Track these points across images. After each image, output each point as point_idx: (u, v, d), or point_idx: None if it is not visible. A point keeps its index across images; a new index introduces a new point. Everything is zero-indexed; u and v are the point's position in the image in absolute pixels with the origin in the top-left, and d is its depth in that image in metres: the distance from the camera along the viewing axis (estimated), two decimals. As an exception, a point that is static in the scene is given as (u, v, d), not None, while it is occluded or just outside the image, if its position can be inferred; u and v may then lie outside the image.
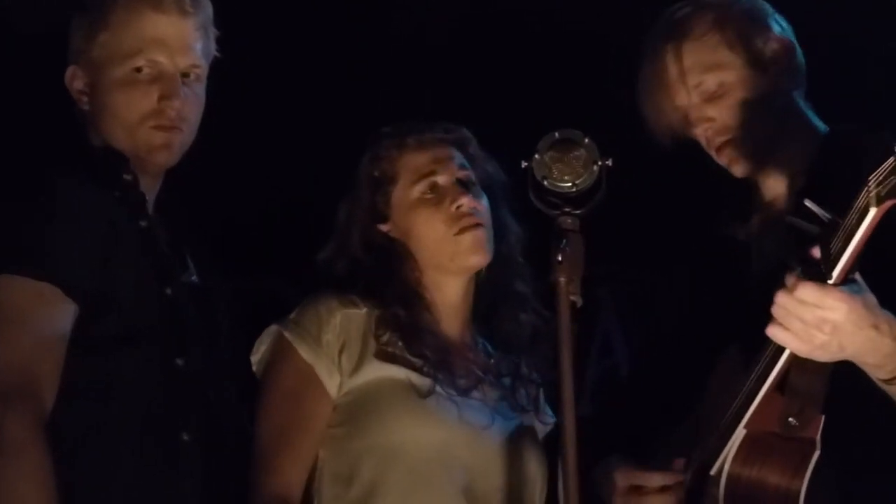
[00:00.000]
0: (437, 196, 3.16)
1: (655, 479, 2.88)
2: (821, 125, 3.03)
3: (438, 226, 3.14)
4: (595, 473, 2.95)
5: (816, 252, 2.49)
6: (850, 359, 2.57)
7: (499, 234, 3.22)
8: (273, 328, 3.14)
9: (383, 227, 3.20)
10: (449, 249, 3.14)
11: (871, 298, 2.52)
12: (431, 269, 3.18)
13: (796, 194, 2.90)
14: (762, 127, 2.97)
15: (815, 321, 2.48)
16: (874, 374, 2.60)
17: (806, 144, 2.98)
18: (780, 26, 3.03)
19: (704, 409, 2.87)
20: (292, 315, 3.13)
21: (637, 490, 2.89)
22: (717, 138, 2.98)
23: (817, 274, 2.48)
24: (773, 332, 2.54)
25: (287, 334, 3.10)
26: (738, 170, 3.00)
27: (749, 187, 3.06)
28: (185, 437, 2.93)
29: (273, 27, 3.99)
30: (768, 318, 2.55)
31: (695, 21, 3.01)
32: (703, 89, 2.98)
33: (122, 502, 2.85)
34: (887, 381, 2.61)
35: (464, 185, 3.17)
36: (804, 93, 3.04)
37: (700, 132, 3.00)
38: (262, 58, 3.86)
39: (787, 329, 2.51)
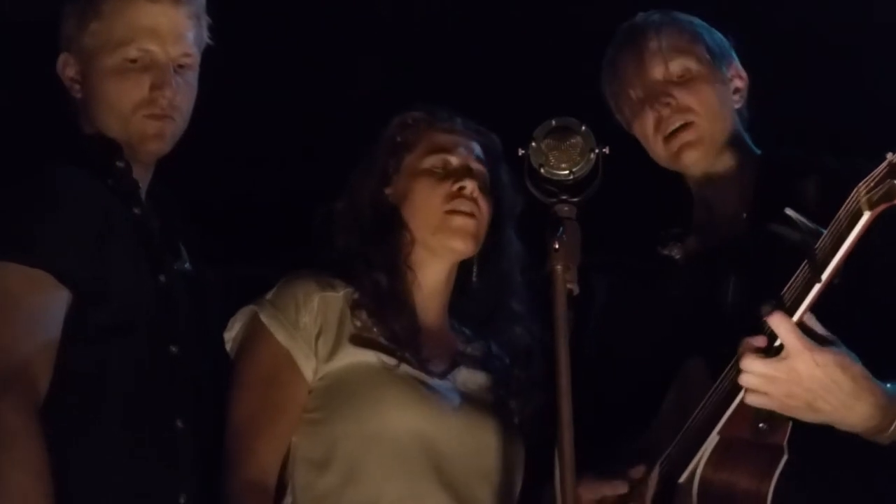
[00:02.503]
0: (444, 172, 3.16)
1: (622, 488, 2.88)
2: (756, 150, 3.12)
3: (435, 199, 3.13)
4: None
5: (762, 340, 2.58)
6: (830, 424, 2.64)
7: (499, 249, 3.22)
8: (249, 308, 3.11)
9: (387, 191, 3.20)
10: (435, 224, 3.12)
11: (853, 366, 2.58)
12: (418, 244, 3.16)
13: (743, 214, 2.99)
14: (718, 119, 3.05)
15: (782, 390, 2.58)
16: (867, 435, 2.67)
17: (748, 165, 3.06)
18: (738, 60, 3.15)
19: (663, 419, 2.91)
20: (269, 296, 3.11)
21: (601, 502, 2.89)
22: (673, 117, 3.02)
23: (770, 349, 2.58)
24: (749, 398, 2.62)
25: (263, 317, 3.07)
26: (690, 156, 3.04)
27: (687, 207, 3.13)
28: (179, 424, 2.93)
29: (262, 16, 3.97)
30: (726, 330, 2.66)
31: (674, 16, 3.12)
32: (673, 69, 3.05)
33: (116, 488, 2.85)
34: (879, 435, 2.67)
35: (473, 173, 3.16)
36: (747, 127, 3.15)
37: (654, 113, 3.04)
38: (252, 46, 3.85)
39: (761, 395, 2.60)
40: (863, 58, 4.01)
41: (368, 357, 3.06)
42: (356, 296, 3.11)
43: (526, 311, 3.22)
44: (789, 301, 2.57)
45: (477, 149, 3.21)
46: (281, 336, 3.05)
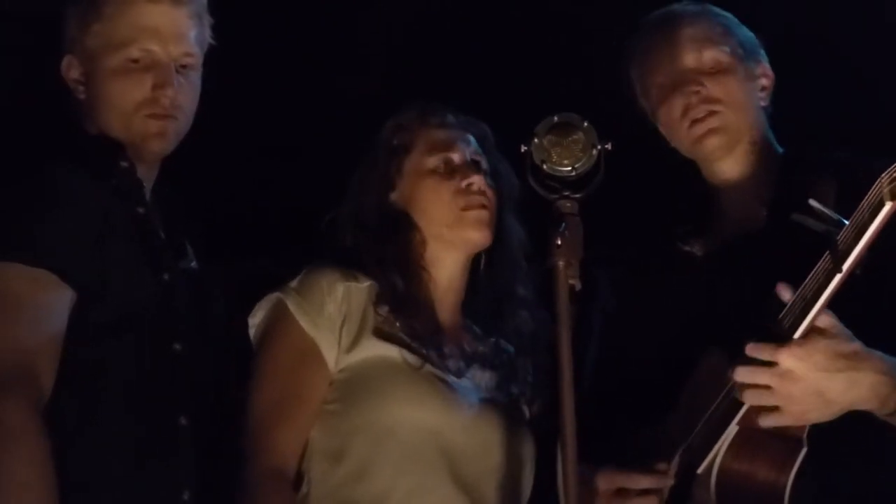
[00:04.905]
0: (449, 171, 3.17)
1: (641, 481, 2.89)
2: (779, 148, 3.13)
3: (445, 197, 3.15)
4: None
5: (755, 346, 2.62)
6: (849, 409, 2.66)
7: (503, 235, 3.22)
8: (274, 296, 3.12)
9: (391, 196, 3.21)
10: (451, 220, 3.13)
11: (838, 345, 2.62)
12: (432, 240, 3.18)
13: (763, 212, 3.00)
14: (743, 113, 3.06)
15: (783, 394, 2.62)
16: (880, 413, 2.69)
17: (769, 162, 3.07)
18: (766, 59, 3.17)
19: (680, 411, 2.91)
20: (293, 284, 3.11)
21: (620, 493, 2.89)
22: (700, 106, 3.03)
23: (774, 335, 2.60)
24: (764, 421, 2.65)
25: (289, 304, 3.08)
26: (713, 142, 3.05)
27: (704, 202, 3.14)
28: (183, 422, 2.93)
29: (262, 15, 3.98)
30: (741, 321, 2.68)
31: (709, 8, 3.16)
32: (705, 59, 3.07)
33: (120, 485, 2.86)
34: (891, 415, 2.69)
35: (477, 167, 3.18)
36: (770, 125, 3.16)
37: (683, 99, 3.05)
38: (254, 44, 3.86)
39: (773, 412, 2.64)
40: (863, 57, 4.02)
41: (390, 351, 3.07)
42: (377, 289, 3.13)
43: (532, 297, 3.23)
44: (805, 298, 2.59)
45: (473, 141, 3.22)
46: (306, 324, 3.06)
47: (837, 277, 2.54)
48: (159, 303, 2.95)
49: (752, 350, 2.63)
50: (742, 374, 2.65)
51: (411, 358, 3.06)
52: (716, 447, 2.77)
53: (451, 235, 3.15)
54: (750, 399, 2.66)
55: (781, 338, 2.62)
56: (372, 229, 3.17)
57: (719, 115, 3.03)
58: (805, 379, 2.61)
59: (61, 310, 2.83)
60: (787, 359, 2.60)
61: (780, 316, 2.64)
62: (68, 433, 2.81)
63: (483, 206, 3.14)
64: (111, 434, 2.86)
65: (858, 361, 2.63)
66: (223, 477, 3.00)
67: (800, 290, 2.60)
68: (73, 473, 2.79)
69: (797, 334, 2.60)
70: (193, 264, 3.09)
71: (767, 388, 2.63)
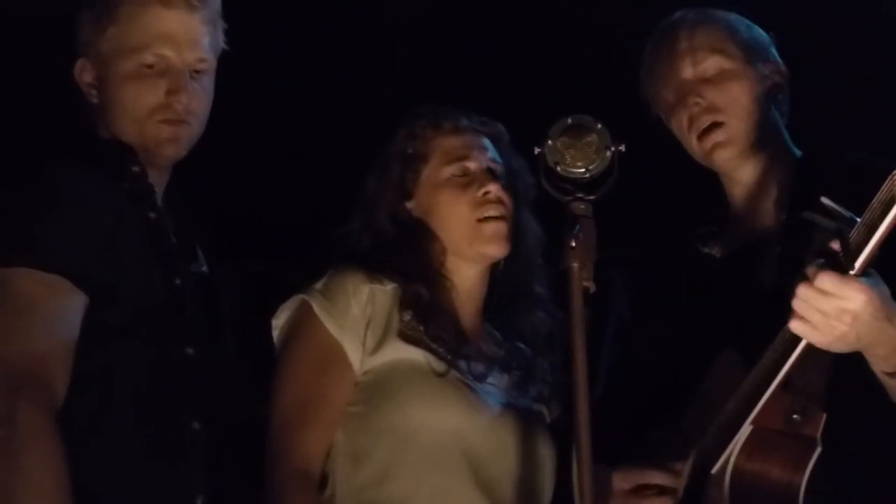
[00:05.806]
0: (466, 179, 3.18)
1: (657, 478, 2.90)
2: (796, 150, 3.13)
3: (462, 208, 3.16)
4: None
5: (836, 245, 2.53)
6: (861, 349, 2.62)
7: (519, 234, 3.23)
8: (299, 297, 3.13)
9: (408, 205, 3.22)
10: (468, 234, 3.16)
11: (886, 290, 2.58)
12: (452, 252, 3.19)
13: (782, 214, 3.01)
14: (749, 117, 3.05)
15: (835, 312, 2.53)
16: (880, 365, 2.66)
17: (784, 164, 3.07)
18: (778, 56, 3.15)
19: (696, 411, 2.92)
20: (318, 285, 3.13)
21: (635, 493, 2.91)
22: (703, 117, 3.04)
23: (837, 266, 2.53)
24: (794, 325, 2.58)
25: (315, 306, 3.10)
26: (721, 155, 3.05)
27: (722, 204, 3.14)
28: (195, 426, 2.93)
29: (271, 19, 3.99)
30: (756, 326, 2.66)
31: (708, 14, 3.14)
32: (703, 68, 3.07)
33: (133, 489, 2.86)
34: (890, 374, 2.66)
35: (494, 174, 3.19)
36: (785, 123, 3.15)
37: (686, 112, 3.06)
38: (262, 49, 3.87)
39: (807, 321, 2.56)
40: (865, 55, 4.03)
41: (415, 355, 3.09)
42: (401, 293, 3.14)
43: (548, 294, 3.25)
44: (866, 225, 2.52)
45: (489, 146, 3.24)
46: (332, 326, 3.08)
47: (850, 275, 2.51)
48: (171, 307, 2.95)
49: (822, 281, 2.53)
50: (806, 295, 2.55)
51: (436, 363, 3.09)
52: (729, 447, 2.77)
53: (469, 250, 3.18)
54: (800, 310, 2.57)
55: (843, 268, 2.54)
56: (390, 239, 3.19)
57: (724, 127, 3.03)
58: (859, 320, 2.54)
59: (74, 315, 2.84)
60: (855, 300, 2.53)
61: (839, 249, 2.55)
62: (80, 437, 2.80)
63: (500, 217, 3.16)
64: (123, 438, 2.86)
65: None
66: (237, 481, 3.01)
67: (859, 223, 2.52)
68: (85, 478, 2.78)
69: (857, 265, 2.52)
70: (204, 268, 3.10)
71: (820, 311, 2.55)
